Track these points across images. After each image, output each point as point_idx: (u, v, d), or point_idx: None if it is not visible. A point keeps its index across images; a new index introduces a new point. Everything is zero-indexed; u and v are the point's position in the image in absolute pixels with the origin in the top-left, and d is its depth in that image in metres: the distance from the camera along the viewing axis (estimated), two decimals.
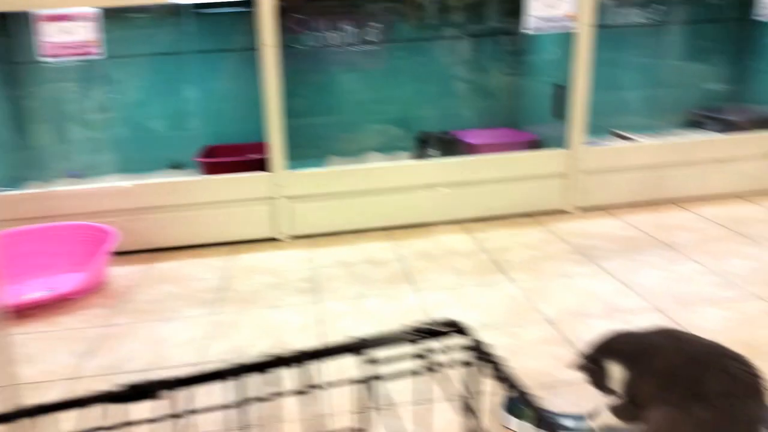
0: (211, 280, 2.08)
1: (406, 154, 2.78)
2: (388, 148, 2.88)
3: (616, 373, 1.08)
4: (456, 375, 1.38)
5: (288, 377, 0.46)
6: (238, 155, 2.59)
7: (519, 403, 1.21)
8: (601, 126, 2.92)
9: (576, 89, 2.44)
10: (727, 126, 2.87)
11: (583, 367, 1.14)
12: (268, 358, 0.44)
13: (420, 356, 0.37)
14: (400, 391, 1.31)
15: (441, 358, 0.37)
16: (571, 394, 1.31)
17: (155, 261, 2.26)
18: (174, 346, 1.64)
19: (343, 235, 2.44)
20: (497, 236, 2.33)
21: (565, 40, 2.44)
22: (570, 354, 1.47)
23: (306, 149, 2.79)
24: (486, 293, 1.83)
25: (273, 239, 2.43)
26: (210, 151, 2.68)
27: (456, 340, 0.37)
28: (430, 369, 0.37)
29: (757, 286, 1.76)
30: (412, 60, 2.92)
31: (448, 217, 2.50)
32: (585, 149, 2.49)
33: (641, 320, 1.63)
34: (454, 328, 0.38)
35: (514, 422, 1.20)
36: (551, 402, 1.29)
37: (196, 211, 2.36)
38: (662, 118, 3.04)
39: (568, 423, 1.17)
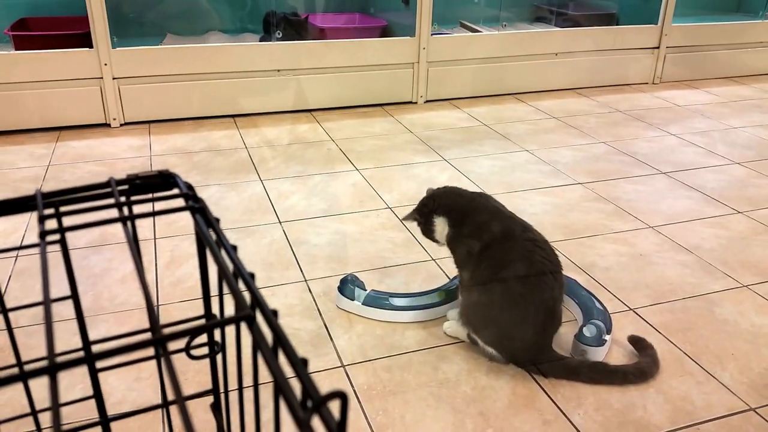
0: (32, 169, 1.89)
1: (252, 35, 2.62)
2: (233, 28, 2.70)
3: (440, 225, 1.14)
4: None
5: None
6: (58, 29, 2.30)
7: (351, 284, 1.24)
8: (452, 17, 2.93)
9: None
10: (568, 21, 2.99)
11: (414, 217, 1.18)
12: None
13: (124, 205, 0.35)
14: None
15: (157, 206, 0.34)
16: (402, 276, 1.37)
17: None
18: None
19: (183, 121, 2.30)
20: (346, 126, 2.30)
21: None
22: (403, 237, 1.52)
23: (140, 25, 2.54)
24: (332, 182, 1.83)
25: (106, 125, 2.24)
26: (24, 24, 2.36)
27: (171, 192, 0.35)
28: (126, 219, 0.34)
29: (580, 175, 1.91)
30: None
31: (297, 105, 2.43)
32: (432, 39, 2.48)
33: None
34: (165, 178, 0.35)
35: (346, 302, 1.23)
36: (384, 282, 1.34)
37: (10, 91, 2.10)
38: (510, 11, 3.10)
39: (398, 302, 1.22)
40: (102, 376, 1.04)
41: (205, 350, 0.42)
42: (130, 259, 1.41)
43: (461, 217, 1.13)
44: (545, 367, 1.07)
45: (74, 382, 1.04)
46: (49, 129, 2.19)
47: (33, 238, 1.47)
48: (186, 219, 1.60)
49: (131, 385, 1.04)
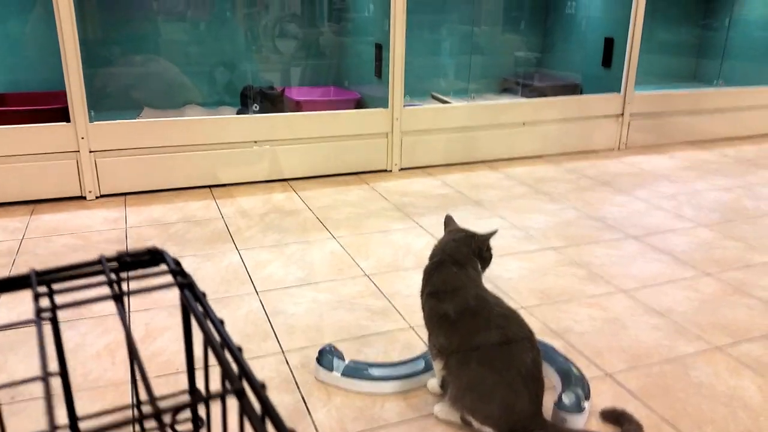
0: (5, 243, 1.87)
1: (229, 108, 2.67)
2: (210, 101, 2.75)
3: None
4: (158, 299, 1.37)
5: None
6: (36, 105, 2.33)
7: (329, 354, 1.24)
8: (424, 89, 3.03)
9: (394, 49, 2.48)
10: (534, 92, 3.11)
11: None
12: None
13: (115, 282, 0.36)
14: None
15: (143, 284, 0.35)
16: (381, 344, 1.36)
17: None
18: None
19: (159, 193, 2.31)
20: (322, 194, 2.34)
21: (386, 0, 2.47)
22: (381, 305, 1.53)
23: (118, 99, 2.58)
24: (308, 250, 1.84)
25: (81, 198, 2.24)
26: (2, 100, 2.39)
27: (159, 268, 0.36)
28: (119, 297, 0.35)
29: (552, 240, 1.95)
30: (238, 13, 2.80)
31: (273, 175, 2.46)
32: (405, 110, 2.56)
33: None
34: (154, 255, 0.36)
35: (324, 373, 1.22)
36: (363, 352, 1.33)
37: None
38: (479, 83, 3.22)
39: (376, 372, 1.22)
40: None
41: (188, 426, 0.42)
42: (104, 334, 1.39)
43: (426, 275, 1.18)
44: None
45: None
46: (23, 202, 2.18)
47: (8, 316, 1.44)
48: (160, 291, 1.59)
49: None
